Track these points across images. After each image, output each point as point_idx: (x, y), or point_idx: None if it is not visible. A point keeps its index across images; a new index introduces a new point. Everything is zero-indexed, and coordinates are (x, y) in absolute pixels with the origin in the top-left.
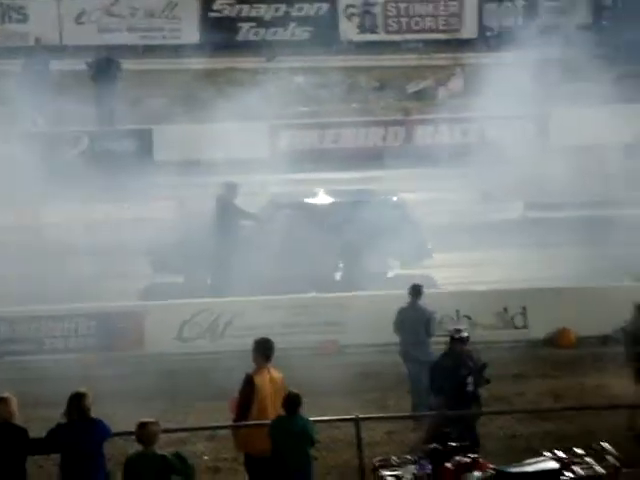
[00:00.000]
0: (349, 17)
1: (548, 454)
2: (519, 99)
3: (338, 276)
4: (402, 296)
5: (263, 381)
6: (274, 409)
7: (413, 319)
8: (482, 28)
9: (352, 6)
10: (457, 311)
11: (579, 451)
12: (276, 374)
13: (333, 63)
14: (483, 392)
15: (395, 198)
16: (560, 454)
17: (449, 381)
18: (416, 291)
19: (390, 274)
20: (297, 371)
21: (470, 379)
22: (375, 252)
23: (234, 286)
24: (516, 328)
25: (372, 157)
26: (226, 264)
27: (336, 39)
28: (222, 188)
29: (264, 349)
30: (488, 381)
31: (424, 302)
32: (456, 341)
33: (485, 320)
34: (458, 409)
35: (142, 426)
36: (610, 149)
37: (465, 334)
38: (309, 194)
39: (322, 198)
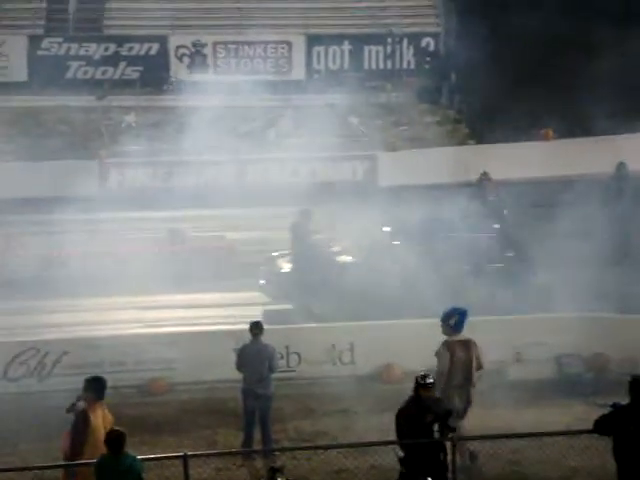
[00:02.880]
0: (180, 57)
1: None
2: (349, 140)
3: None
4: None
5: (97, 418)
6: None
7: (257, 355)
8: (310, 70)
9: (182, 47)
10: (287, 347)
11: None
12: (107, 413)
13: (164, 102)
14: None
15: None
16: None
17: (415, 428)
18: (258, 328)
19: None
20: (126, 409)
21: (436, 426)
22: None
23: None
24: (343, 364)
25: (205, 195)
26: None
27: (166, 79)
28: (298, 216)
29: (95, 388)
30: (453, 429)
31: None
32: (422, 387)
33: (314, 356)
34: (425, 459)
35: None
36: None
37: (430, 380)
38: None
39: None
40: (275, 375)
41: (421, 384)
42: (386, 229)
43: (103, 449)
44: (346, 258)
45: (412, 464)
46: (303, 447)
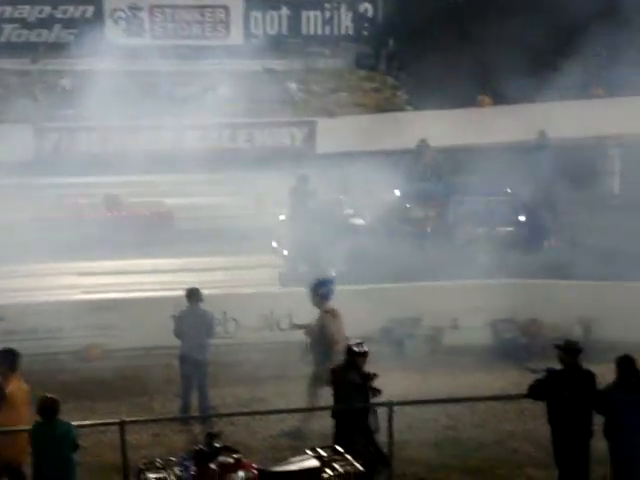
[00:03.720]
0: (115, 21)
1: (310, 452)
2: (287, 105)
3: None
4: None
5: (14, 389)
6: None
7: (194, 322)
8: (248, 35)
9: (118, 10)
10: (224, 313)
11: (340, 449)
12: (23, 384)
13: (99, 66)
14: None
15: None
16: (322, 452)
17: (361, 396)
18: (195, 294)
19: None
20: (62, 375)
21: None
22: None
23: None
24: (281, 330)
25: (143, 161)
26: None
27: (102, 42)
28: (295, 180)
29: (7, 360)
30: (379, 391)
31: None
32: (358, 355)
33: (251, 322)
34: (366, 425)
35: None
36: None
37: (366, 348)
38: None
39: None
40: (213, 341)
41: (357, 352)
42: (397, 192)
43: (23, 421)
44: (359, 221)
45: (345, 426)
46: (240, 413)
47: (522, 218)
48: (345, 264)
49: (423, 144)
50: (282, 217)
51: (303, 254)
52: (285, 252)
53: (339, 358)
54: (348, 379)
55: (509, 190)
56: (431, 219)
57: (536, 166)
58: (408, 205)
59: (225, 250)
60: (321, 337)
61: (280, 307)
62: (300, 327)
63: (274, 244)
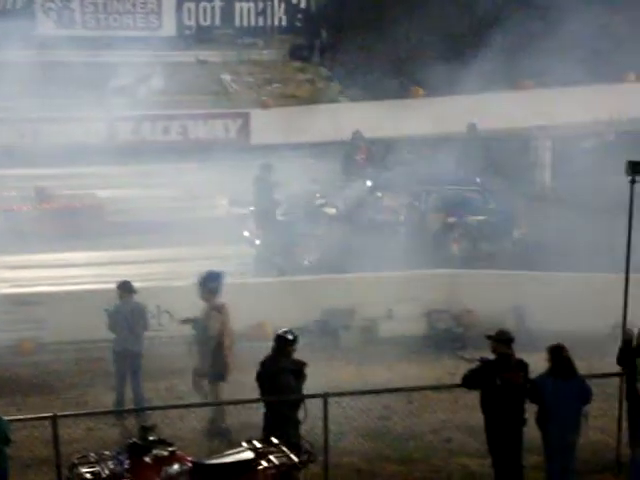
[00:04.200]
0: (46, 12)
1: (245, 444)
2: (222, 98)
3: None
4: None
5: None
6: None
7: (128, 315)
8: (181, 27)
9: (49, 1)
10: (158, 306)
11: (275, 441)
12: None
13: (30, 58)
14: None
15: None
16: (257, 444)
17: (292, 384)
18: (127, 288)
19: None
20: None
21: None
22: None
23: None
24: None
25: (74, 153)
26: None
27: (32, 33)
28: (259, 169)
29: None
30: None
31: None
32: (289, 343)
33: (184, 314)
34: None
35: None
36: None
37: (294, 335)
38: None
39: None
40: (146, 334)
41: (287, 340)
42: (369, 183)
43: None
44: (331, 210)
45: (277, 417)
46: (174, 405)
47: (492, 207)
48: (317, 253)
49: (357, 135)
50: (252, 207)
51: (276, 243)
52: (257, 242)
53: (224, 354)
54: (280, 367)
55: (478, 180)
56: (404, 208)
57: (467, 158)
58: (379, 194)
59: (158, 242)
60: (207, 332)
61: None
62: (187, 321)
63: (245, 233)
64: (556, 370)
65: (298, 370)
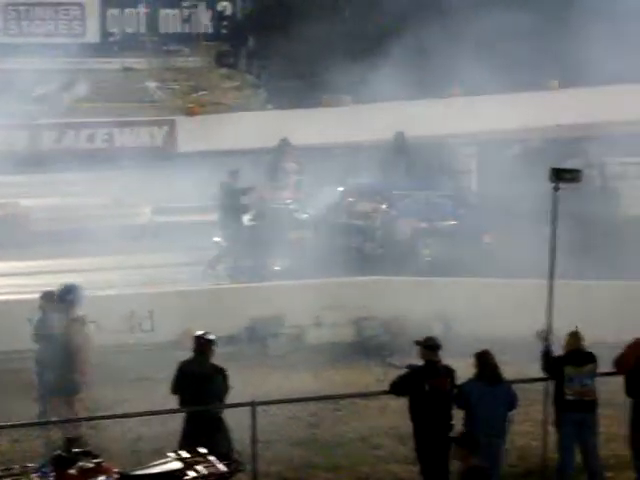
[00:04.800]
0: None
1: (172, 455)
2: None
3: None
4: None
5: None
6: None
7: (52, 326)
8: (105, 34)
9: None
10: (83, 316)
11: (203, 450)
12: None
13: None
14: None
15: None
16: (184, 454)
17: (214, 387)
18: (50, 298)
19: None
20: None
21: None
22: None
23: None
24: (144, 331)
25: None
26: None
27: None
28: (226, 176)
29: None
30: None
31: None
32: (210, 343)
33: (112, 324)
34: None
35: None
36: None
37: (213, 336)
38: None
39: None
40: None
41: (207, 340)
42: (340, 189)
43: None
44: (303, 215)
45: (203, 426)
46: (100, 416)
47: (462, 212)
48: (288, 259)
49: (284, 143)
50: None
51: (243, 249)
52: (224, 246)
53: (83, 367)
54: (205, 370)
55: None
56: (377, 213)
57: (394, 167)
58: (351, 199)
59: (82, 251)
60: (65, 345)
61: (141, 308)
62: (42, 336)
63: (216, 239)
64: (482, 376)
65: (223, 376)
